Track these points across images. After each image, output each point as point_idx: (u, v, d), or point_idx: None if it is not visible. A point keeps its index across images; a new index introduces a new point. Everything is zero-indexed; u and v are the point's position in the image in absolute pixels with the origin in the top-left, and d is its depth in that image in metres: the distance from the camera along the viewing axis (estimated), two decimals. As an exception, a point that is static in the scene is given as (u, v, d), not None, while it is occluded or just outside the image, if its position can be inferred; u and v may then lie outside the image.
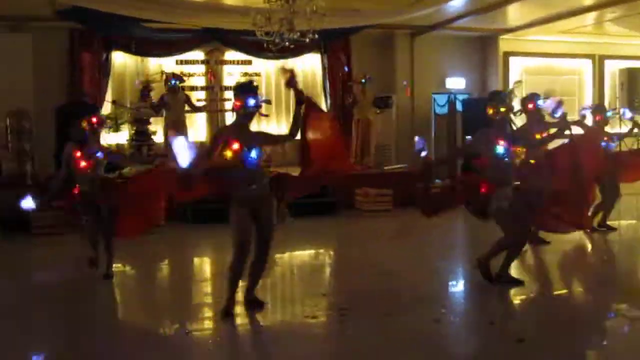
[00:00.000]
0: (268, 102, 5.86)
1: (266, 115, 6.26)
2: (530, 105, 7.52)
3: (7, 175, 10.80)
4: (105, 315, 5.92)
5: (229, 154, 5.28)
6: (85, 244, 6.87)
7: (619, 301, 6.12)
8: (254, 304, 5.64)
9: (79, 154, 6.60)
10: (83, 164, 6.60)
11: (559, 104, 6.89)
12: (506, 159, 6.09)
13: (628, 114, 9.38)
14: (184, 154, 5.08)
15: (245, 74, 14.07)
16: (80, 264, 6.91)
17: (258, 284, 5.68)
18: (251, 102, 5.36)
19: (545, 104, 7.07)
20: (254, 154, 5.31)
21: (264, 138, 5.75)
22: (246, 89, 5.48)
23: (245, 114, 5.39)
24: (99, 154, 6.68)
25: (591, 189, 7.74)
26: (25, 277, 6.94)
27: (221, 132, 6.00)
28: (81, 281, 6.77)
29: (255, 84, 5.66)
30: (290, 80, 5.70)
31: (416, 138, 6.52)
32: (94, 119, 6.74)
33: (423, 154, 6.53)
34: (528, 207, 6.11)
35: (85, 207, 6.67)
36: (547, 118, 7.49)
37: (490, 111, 6.23)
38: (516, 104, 7.47)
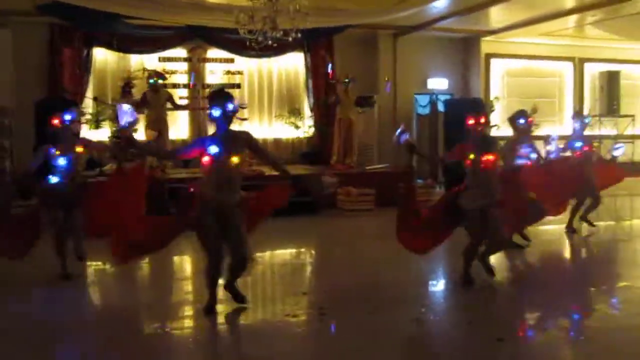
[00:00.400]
0: (243, 106, 5.84)
1: (245, 119, 6.24)
2: (521, 122, 7.74)
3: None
4: (83, 315, 5.88)
5: (205, 159, 5.28)
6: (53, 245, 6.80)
7: (599, 302, 6.21)
8: (235, 296, 5.65)
9: (54, 150, 6.55)
10: (62, 160, 6.55)
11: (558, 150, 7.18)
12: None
13: (618, 152, 9.44)
14: (126, 117, 5.77)
15: (228, 72, 14.07)
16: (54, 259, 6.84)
17: (237, 278, 5.66)
18: (230, 106, 5.33)
19: (551, 146, 7.36)
20: (234, 159, 5.30)
21: (251, 146, 5.61)
22: (220, 96, 5.43)
23: (224, 120, 5.36)
24: (78, 148, 6.68)
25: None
26: (3, 280, 6.85)
27: (200, 140, 5.99)
28: (57, 279, 6.70)
29: (226, 90, 5.70)
30: None
31: (399, 130, 6.57)
32: (57, 119, 6.65)
33: (404, 136, 6.56)
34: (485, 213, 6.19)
35: (55, 203, 6.59)
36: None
37: (472, 122, 6.28)
38: (494, 117, 7.69)
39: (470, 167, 6.21)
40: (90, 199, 6.62)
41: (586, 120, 9.23)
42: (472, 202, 6.14)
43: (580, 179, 8.65)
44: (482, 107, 6.78)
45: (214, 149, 5.26)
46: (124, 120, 5.86)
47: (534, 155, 7.87)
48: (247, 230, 5.55)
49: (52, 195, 6.58)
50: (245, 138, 5.54)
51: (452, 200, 6.32)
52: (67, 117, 6.66)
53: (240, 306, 5.64)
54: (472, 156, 6.16)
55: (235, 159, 5.31)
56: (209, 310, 5.46)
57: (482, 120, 6.26)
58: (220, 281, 5.59)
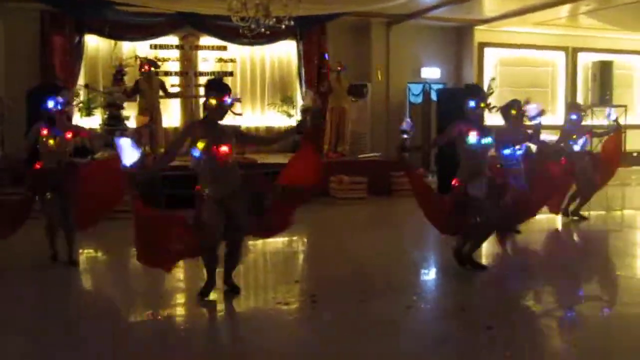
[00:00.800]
0: (238, 100, 5.83)
1: (239, 114, 6.24)
2: (514, 112, 7.66)
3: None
4: (75, 302, 5.87)
5: (200, 145, 5.25)
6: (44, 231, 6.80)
7: (591, 290, 6.24)
8: (230, 288, 5.66)
9: (45, 131, 6.53)
10: (50, 142, 6.53)
11: (540, 112, 7.06)
12: (477, 149, 6.17)
13: (613, 115, 9.46)
14: (129, 154, 5.17)
15: (220, 60, 14.00)
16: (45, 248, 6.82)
17: (234, 270, 5.68)
18: (227, 99, 5.33)
19: (528, 107, 7.18)
20: (224, 150, 5.28)
21: (238, 135, 5.65)
22: (221, 87, 5.43)
23: (218, 112, 5.36)
24: (68, 134, 6.65)
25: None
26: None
27: (190, 127, 5.94)
28: (50, 267, 6.68)
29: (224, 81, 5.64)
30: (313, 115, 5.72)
31: (407, 119, 6.56)
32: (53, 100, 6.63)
33: (405, 136, 6.56)
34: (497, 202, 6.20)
35: (45, 186, 6.57)
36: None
37: (472, 106, 6.27)
38: (492, 100, 7.61)
39: (466, 149, 6.21)
40: (78, 186, 6.58)
41: (583, 113, 9.24)
42: (480, 190, 6.12)
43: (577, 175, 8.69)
44: (481, 90, 6.71)
45: (201, 145, 5.24)
46: (129, 159, 5.22)
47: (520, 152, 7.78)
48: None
49: (40, 178, 6.56)
50: (232, 130, 5.59)
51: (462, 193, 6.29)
52: (59, 100, 6.64)
53: (232, 294, 5.64)
54: (471, 139, 6.17)
55: (224, 148, 5.29)
56: (202, 294, 5.48)
57: (482, 105, 6.27)
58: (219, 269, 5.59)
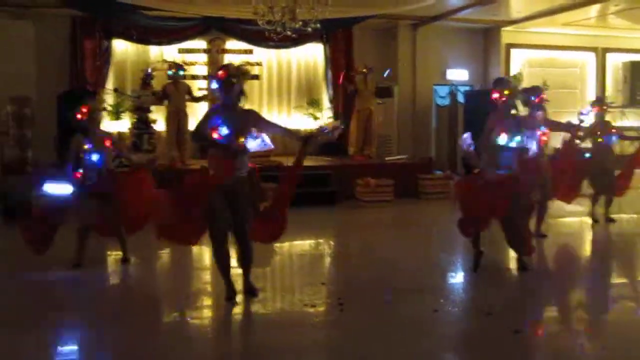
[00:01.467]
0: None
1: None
2: (534, 98, 7.61)
3: (8, 161, 10.82)
4: (104, 303, 5.95)
5: (214, 135, 5.27)
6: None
7: (619, 294, 6.16)
8: (248, 292, 5.65)
9: (87, 146, 6.65)
10: (95, 156, 6.66)
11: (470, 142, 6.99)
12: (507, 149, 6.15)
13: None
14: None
15: (247, 63, 14.06)
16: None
17: (250, 273, 5.65)
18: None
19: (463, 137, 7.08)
20: (239, 137, 5.26)
21: (256, 121, 5.56)
22: (241, 72, 5.40)
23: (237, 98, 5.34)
24: (106, 146, 6.79)
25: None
26: (25, 263, 6.94)
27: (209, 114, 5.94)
28: (80, 267, 6.78)
29: (245, 69, 5.52)
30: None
31: (464, 135, 6.57)
32: (84, 109, 6.73)
33: (471, 148, 6.56)
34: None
35: (85, 198, 6.68)
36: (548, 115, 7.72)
37: (496, 95, 6.27)
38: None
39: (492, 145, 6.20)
40: (120, 193, 6.70)
41: (605, 107, 9.10)
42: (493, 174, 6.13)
43: (594, 167, 8.60)
44: (502, 80, 6.71)
45: (224, 131, 5.24)
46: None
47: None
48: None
49: (84, 191, 6.67)
50: (252, 117, 5.52)
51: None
52: (84, 110, 6.73)
53: (260, 296, 5.66)
54: (501, 140, 6.16)
55: (242, 139, 5.28)
56: (227, 298, 5.53)
57: (506, 92, 6.27)
58: (239, 271, 5.62)
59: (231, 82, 5.30)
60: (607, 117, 9.18)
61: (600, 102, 9.25)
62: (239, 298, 5.58)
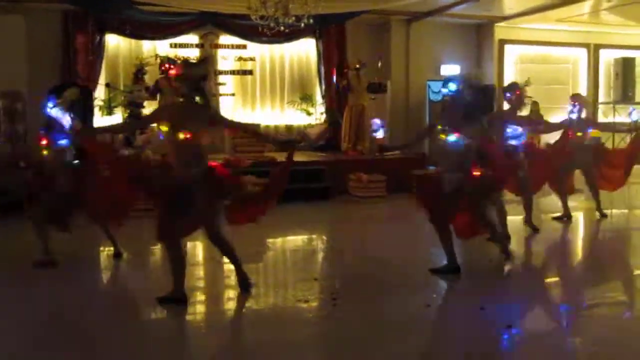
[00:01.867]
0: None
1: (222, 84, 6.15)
2: (510, 95, 7.65)
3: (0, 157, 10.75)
4: (96, 300, 5.93)
5: (164, 128, 5.22)
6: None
7: (612, 290, 6.19)
8: (241, 285, 5.64)
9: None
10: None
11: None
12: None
13: (635, 116, 9.32)
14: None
15: (240, 58, 14.05)
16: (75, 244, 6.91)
17: (239, 267, 5.62)
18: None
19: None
20: (180, 135, 5.16)
21: (212, 120, 5.48)
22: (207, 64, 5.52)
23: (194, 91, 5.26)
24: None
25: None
26: (18, 260, 6.91)
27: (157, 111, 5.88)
28: (71, 263, 6.76)
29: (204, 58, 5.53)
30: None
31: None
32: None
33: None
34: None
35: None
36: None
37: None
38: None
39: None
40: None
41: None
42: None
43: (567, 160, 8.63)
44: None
45: (164, 128, 5.20)
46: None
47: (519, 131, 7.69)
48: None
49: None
50: (206, 114, 5.40)
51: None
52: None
53: (252, 292, 5.66)
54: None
55: (181, 135, 5.15)
56: (163, 300, 5.38)
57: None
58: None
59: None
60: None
61: (577, 98, 9.32)
62: (231, 293, 5.58)
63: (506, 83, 10.32)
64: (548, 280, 6.45)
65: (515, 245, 7.32)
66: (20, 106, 11.04)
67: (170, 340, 4.80)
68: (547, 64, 16.04)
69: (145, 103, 12.18)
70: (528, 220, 8.18)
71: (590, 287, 6.23)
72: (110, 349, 4.53)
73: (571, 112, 8.84)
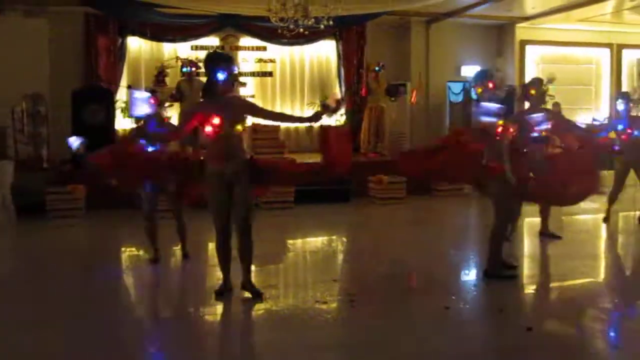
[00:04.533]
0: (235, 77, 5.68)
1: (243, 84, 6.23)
2: (533, 92, 7.49)
3: (23, 159, 10.89)
4: (119, 298, 5.99)
5: (208, 129, 5.23)
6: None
7: (630, 293, 6.11)
8: (250, 292, 5.57)
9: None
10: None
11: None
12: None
13: None
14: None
15: (260, 60, 14.11)
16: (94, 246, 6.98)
17: (250, 270, 5.59)
18: (220, 76, 5.21)
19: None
20: (229, 127, 5.22)
21: (249, 110, 5.59)
22: (226, 58, 5.40)
23: (227, 84, 5.27)
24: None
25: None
26: (41, 260, 7.01)
27: (192, 109, 5.93)
28: (95, 264, 6.83)
29: (227, 55, 5.57)
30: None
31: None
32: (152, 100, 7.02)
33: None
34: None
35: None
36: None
37: (479, 90, 6.20)
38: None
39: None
40: None
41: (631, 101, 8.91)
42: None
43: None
44: (480, 73, 6.56)
45: (216, 120, 5.20)
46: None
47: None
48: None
49: None
50: (245, 105, 5.59)
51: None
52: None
53: (272, 292, 5.67)
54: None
55: (239, 127, 5.28)
56: (219, 293, 5.56)
57: (490, 85, 6.16)
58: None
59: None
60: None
61: (626, 95, 9.12)
62: (248, 294, 5.59)
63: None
64: (568, 283, 6.39)
65: (536, 248, 7.28)
66: (43, 109, 11.18)
67: (189, 339, 4.83)
68: (569, 64, 15.89)
69: (167, 104, 12.21)
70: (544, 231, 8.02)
71: (611, 290, 6.16)
72: (125, 347, 4.57)
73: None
